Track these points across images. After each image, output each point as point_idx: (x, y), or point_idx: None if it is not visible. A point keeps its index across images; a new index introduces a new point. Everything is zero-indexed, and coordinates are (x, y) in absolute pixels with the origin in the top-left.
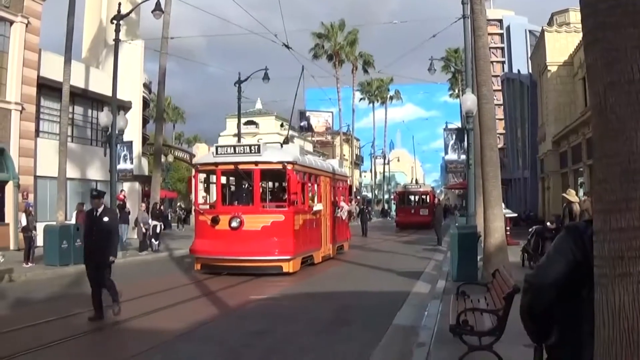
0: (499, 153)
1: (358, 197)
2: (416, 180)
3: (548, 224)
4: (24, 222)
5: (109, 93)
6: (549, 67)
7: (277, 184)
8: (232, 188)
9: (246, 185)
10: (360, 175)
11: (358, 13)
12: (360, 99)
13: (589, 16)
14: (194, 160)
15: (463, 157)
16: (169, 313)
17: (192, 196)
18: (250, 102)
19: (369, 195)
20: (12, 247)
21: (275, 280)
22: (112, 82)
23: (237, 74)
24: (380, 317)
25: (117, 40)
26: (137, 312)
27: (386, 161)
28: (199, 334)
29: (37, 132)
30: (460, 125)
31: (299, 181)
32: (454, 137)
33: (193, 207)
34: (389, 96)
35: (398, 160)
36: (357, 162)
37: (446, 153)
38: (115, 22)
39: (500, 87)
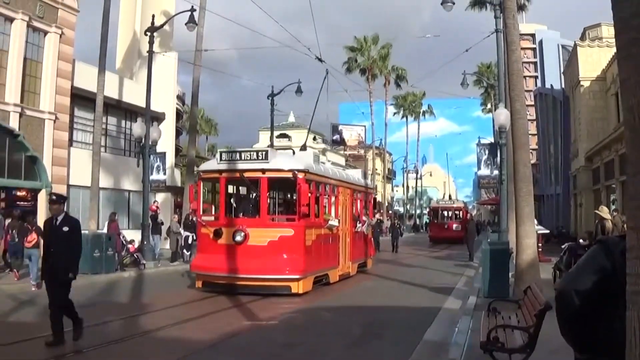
0: (531, 169)
1: (390, 212)
2: (449, 196)
3: (581, 241)
4: None
5: (143, 104)
6: (581, 82)
7: (287, 195)
8: (237, 198)
9: (253, 196)
10: (393, 190)
11: (390, 27)
12: (394, 114)
13: (622, 32)
14: (199, 168)
15: (496, 172)
16: (198, 324)
17: (192, 206)
18: (283, 115)
19: (401, 209)
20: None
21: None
22: (146, 94)
23: (269, 87)
24: (411, 332)
25: (150, 52)
26: (167, 322)
27: (418, 176)
28: (228, 345)
29: (71, 141)
30: (493, 141)
31: (312, 192)
32: (486, 152)
33: (195, 219)
34: (421, 111)
35: (430, 175)
36: (389, 177)
37: (479, 168)
38: (149, 34)
39: (533, 102)
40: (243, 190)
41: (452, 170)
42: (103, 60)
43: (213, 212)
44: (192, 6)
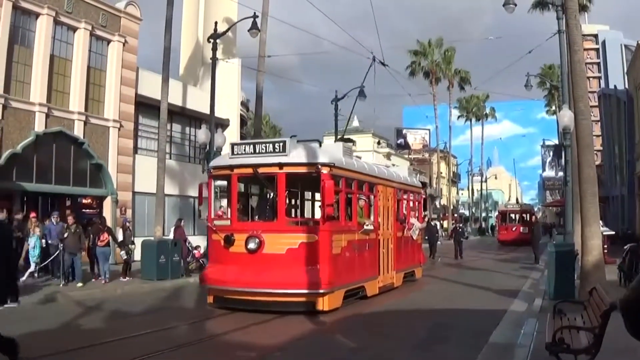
0: (596, 170)
1: (455, 215)
2: (517, 199)
3: None
4: (120, 238)
5: (207, 111)
6: None
7: (311, 194)
8: (253, 199)
9: (270, 195)
10: (458, 193)
11: (452, 29)
12: (458, 117)
13: None
14: (210, 164)
15: (560, 174)
16: (262, 328)
17: (202, 208)
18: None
19: (467, 213)
20: (110, 261)
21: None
22: (210, 100)
23: (332, 92)
24: (476, 335)
25: (214, 59)
26: (233, 326)
27: (483, 179)
28: (294, 349)
29: (136, 149)
30: (557, 142)
31: (341, 190)
32: (551, 154)
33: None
34: (485, 113)
35: (495, 177)
36: (454, 180)
37: (543, 170)
38: (212, 41)
39: (597, 103)
40: (260, 189)
41: (517, 173)
42: (167, 67)
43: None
44: (255, 12)
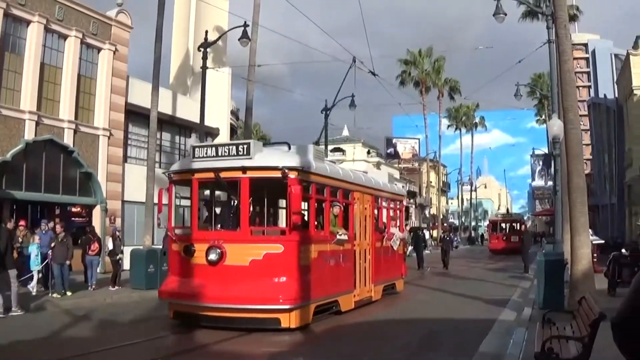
0: (586, 179)
1: (442, 224)
2: (507, 209)
3: (623, 250)
4: (110, 246)
5: (197, 120)
6: (634, 91)
7: (278, 201)
8: (215, 205)
9: (234, 202)
10: (447, 202)
11: (442, 39)
12: (448, 126)
13: None
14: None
15: (550, 183)
16: (251, 338)
17: (162, 216)
18: (337, 129)
19: (456, 222)
20: (99, 270)
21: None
22: (200, 109)
23: (322, 101)
24: (466, 344)
25: (204, 68)
26: (224, 336)
27: (473, 188)
28: (289, 354)
29: (125, 157)
30: (547, 152)
31: (311, 196)
32: (540, 163)
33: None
34: (475, 122)
35: (485, 187)
36: (444, 189)
37: (533, 179)
38: (202, 49)
39: (586, 112)
40: (224, 195)
41: (507, 182)
42: (157, 76)
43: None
44: (245, 21)
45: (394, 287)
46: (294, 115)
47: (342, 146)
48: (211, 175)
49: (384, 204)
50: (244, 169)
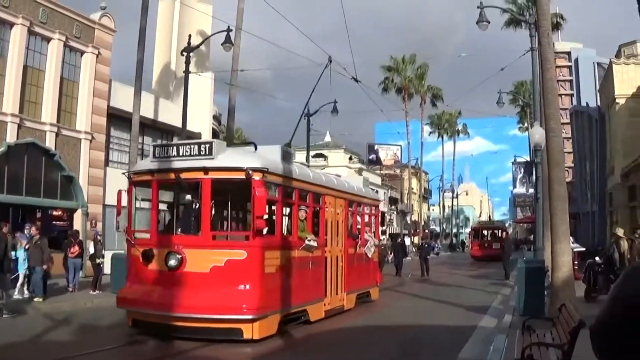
0: (567, 187)
1: (426, 231)
2: (489, 216)
3: (597, 258)
4: (91, 250)
5: (179, 124)
6: (617, 100)
7: (244, 205)
8: (176, 208)
9: (195, 205)
10: (429, 209)
11: (424, 46)
12: (430, 133)
13: None
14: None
15: (531, 190)
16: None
17: (120, 219)
18: (319, 135)
19: (437, 229)
20: (80, 274)
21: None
22: (182, 113)
23: (305, 107)
24: (446, 350)
25: (187, 72)
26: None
27: (454, 195)
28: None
29: (107, 161)
30: (528, 159)
31: (278, 200)
32: (522, 170)
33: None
34: (457, 130)
35: (467, 194)
36: (426, 196)
37: (514, 187)
38: (185, 54)
39: (569, 120)
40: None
41: (488, 188)
42: (139, 80)
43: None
44: (229, 26)
45: (369, 295)
46: (277, 120)
47: (324, 152)
48: (171, 176)
49: (358, 209)
50: (205, 170)
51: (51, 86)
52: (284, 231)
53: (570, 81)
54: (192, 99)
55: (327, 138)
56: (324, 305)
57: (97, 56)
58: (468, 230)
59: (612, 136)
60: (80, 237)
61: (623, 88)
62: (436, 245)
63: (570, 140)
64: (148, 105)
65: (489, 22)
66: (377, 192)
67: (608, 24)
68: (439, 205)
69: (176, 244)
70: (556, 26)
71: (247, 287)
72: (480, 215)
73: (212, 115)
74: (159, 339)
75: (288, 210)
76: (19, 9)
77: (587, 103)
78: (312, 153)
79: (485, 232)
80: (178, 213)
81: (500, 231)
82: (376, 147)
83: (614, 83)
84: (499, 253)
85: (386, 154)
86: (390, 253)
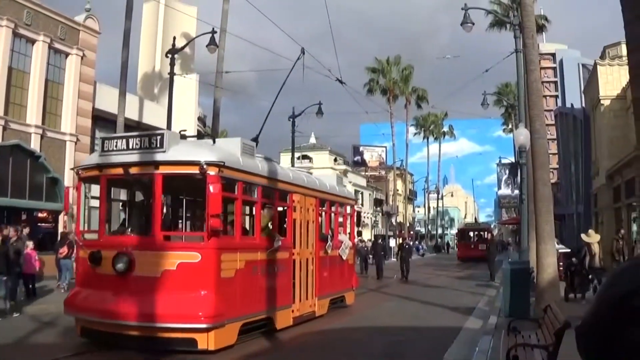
0: (552, 188)
1: (403, 231)
2: (475, 218)
3: (574, 259)
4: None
5: (163, 125)
6: (601, 101)
7: (199, 202)
8: (127, 207)
9: (146, 203)
10: (414, 211)
11: (408, 48)
12: (415, 134)
13: (634, 51)
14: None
15: (516, 192)
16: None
17: (68, 218)
18: (304, 137)
19: (422, 230)
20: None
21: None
22: (167, 115)
23: (290, 108)
24: (431, 352)
25: (172, 74)
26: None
27: (440, 196)
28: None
29: None
30: (513, 160)
31: (237, 197)
32: (507, 172)
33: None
34: (442, 131)
35: (452, 195)
36: (411, 197)
37: (499, 188)
38: (170, 56)
39: (553, 122)
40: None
41: (473, 190)
42: (124, 81)
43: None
44: (213, 28)
45: (343, 300)
46: (261, 122)
47: (309, 154)
48: (120, 171)
49: (331, 208)
50: (156, 164)
51: (36, 88)
52: (245, 232)
53: (555, 82)
54: (177, 101)
55: (312, 140)
56: (292, 311)
57: (82, 58)
58: (453, 231)
59: (597, 137)
60: (70, 238)
61: (608, 89)
62: (421, 246)
63: (555, 141)
64: (133, 107)
65: (473, 24)
66: (370, 194)
67: (592, 25)
68: (424, 206)
69: (125, 245)
70: (541, 28)
71: (202, 293)
72: (465, 217)
73: (197, 117)
74: (111, 349)
75: (250, 209)
76: (4, 11)
77: (572, 104)
78: (297, 155)
79: (471, 233)
80: (131, 212)
81: (486, 232)
82: (361, 148)
83: (598, 84)
84: (485, 254)
85: (371, 156)
86: (371, 254)
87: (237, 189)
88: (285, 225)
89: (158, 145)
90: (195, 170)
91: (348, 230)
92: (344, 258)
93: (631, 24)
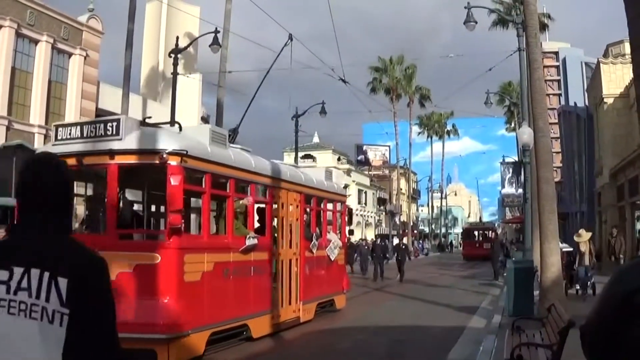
0: (555, 187)
1: (414, 231)
2: (480, 218)
3: (571, 258)
4: None
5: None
6: (605, 99)
7: (162, 196)
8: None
9: (102, 197)
10: (417, 210)
11: (410, 48)
12: (419, 133)
13: (638, 48)
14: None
15: (520, 191)
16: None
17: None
18: (308, 136)
19: (426, 229)
20: None
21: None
22: (170, 115)
23: (292, 108)
24: (436, 351)
25: (175, 74)
26: None
27: (443, 195)
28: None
29: None
30: (517, 159)
31: (205, 190)
32: (510, 170)
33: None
34: (446, 130)
35: (455, 194)
36: (414, 196)
37: (503, 187)
38: (173, 55)
39: (557, 120)
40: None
41: (477, 189)
42: (127, 81)
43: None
44: (216, 28)
45: (333, 304)
46: (265, 122)
47: (313, 153)
48: (74, 162)
49: (319, 205)
50: (111, 154)
51: (39, 88)
52: (215, 230)
53: (558, 81)
54: (180, 101)
55: (316, 139)
56: (272, 317)
57: (85, 58)
58: (457, 230)
59: (601, 136)
60: None
61: (611, 87)
62: (423, 245)
63: (559, 140)
64: (136, 107)
65: (476, 23)
66: (373, 193)
67: (595, 23)
68: (428, 205)
69: None
70: (544, 26)
71: (161, 299)
72: (469, 216)
73: (200, 117)
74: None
75: (221, 204)
76: (6, 11)
77: (575, 103)
78: (300, 154)
79: (476, 232)
80: (89, 208)
81: (490, 232)
82: (365, 147)
83: (601, 83)
84: (488, 253)
85: (375, 155)
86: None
87: (205, 181)
88: (264, 223)
89: (114, 133)
90: (154, 160)
91: (339, 229)
92: (333, 258)
93: (634, 21)
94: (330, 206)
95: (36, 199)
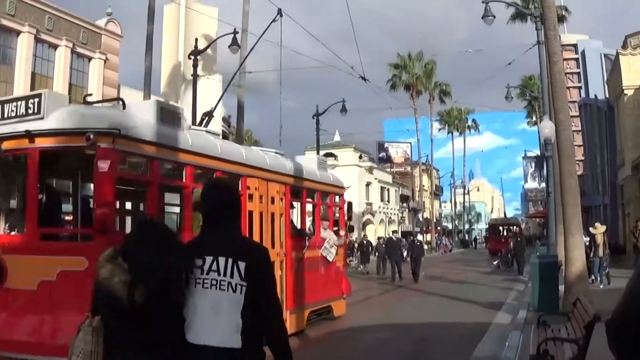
0: (578, 180)
1: (439, 228)
2: (505, 213)
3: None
4: None
5: None
6: (625, 91)
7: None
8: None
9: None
10: (440, 206)
11: (428, 46)
12: (440, 129)
13: None
14: None
15: (543, 185)
16: None
17: None
18: (329, 134)
19: (450, 226)
20: None
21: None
22: (191, 117)
23: (313, 106)
24: (461, 348)
25: (195, 75)
26: None
27: (466, 191)
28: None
29: None
30: (539, 153)
31: (152, 180)
32: (533, 165)
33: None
34: (467, 125)
35: (478, 190)
36: (437, 193)
37: (525, 182)
38: (192, 57)
39: (577, 113)
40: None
41: (500, 184)
42: (148, 84)
43: None
44: (235, 29)
45: (330, 311)
46: (285, 120)
47: (334, 151)
48: None
49: (311, 198)
50: (30, 136)
51: (60, 92)
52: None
53: (578, 73)
54: (201, 102)
55: (337, 137)
56: None
57: (105, 62)
58: (480, 226)
59: (622, 128)
60: None
61: (631, 79)
62: (447, 242)
63: (580, 133)
64: None
65: (494, 17)
66: (396, 191)
67: (613, 15)
68: (451, 202)
69: None
70: (561, 19)
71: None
72: (492, 211)
73: (221, 118)
74: None
75: (179, 196)
76: (25, 17)
77: (595, 95)
78: (322, 152)
79: (500, 228)
80: (18, 202)
81: (515, 227)
82: (386, 145)
83: (621, 74)
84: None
85: (396, 152)
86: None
87: (150, 168)
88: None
89: (35, 111)
90: (80, 142)
91: (338, 226)
92: (329, 259)
93: None
94: (325, 199)
95: (216, 210)
